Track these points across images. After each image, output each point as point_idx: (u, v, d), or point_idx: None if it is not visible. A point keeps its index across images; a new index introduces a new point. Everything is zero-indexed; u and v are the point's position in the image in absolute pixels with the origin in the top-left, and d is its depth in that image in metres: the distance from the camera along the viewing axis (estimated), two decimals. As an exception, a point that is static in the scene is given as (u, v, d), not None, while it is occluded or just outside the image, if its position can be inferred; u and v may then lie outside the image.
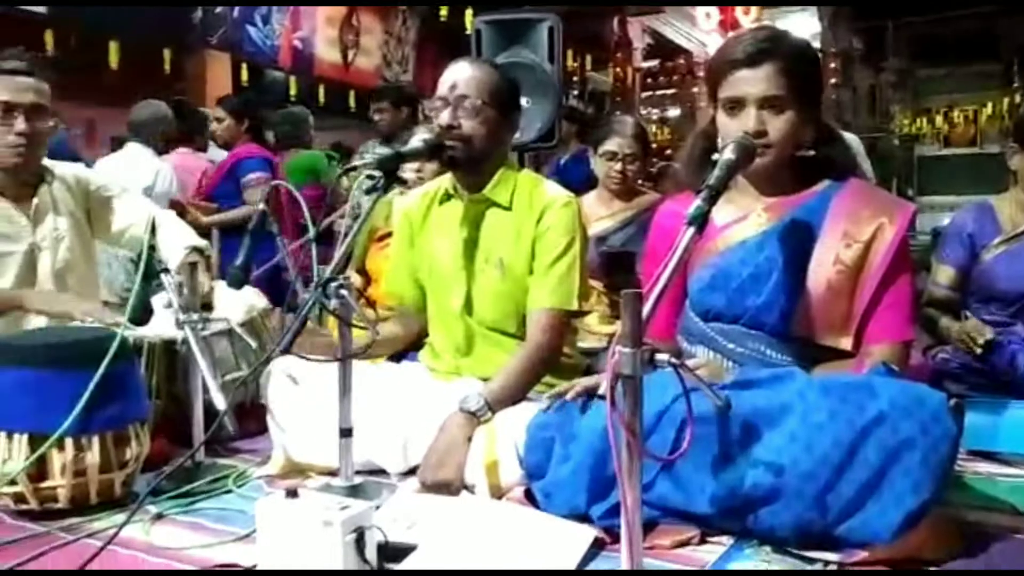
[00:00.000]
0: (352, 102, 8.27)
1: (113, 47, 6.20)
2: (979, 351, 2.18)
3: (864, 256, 1.58)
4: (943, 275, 2.47)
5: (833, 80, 10.15)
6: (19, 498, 1.55)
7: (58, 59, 5.48)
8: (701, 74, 9.68)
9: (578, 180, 3.81)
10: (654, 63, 10.67)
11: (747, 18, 10.12)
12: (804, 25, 10.75)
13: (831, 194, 1.65)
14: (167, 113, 4.34)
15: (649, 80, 10.49)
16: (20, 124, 2.02)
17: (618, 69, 10.29)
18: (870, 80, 11.58)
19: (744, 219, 1.69)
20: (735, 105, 1.61)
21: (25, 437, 1.54)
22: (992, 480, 1.80)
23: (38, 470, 1.54)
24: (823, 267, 1.60)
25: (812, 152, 1.66)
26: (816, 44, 10.29)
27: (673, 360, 1.20)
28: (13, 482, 1.53)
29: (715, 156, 1.53)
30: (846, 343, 1.60)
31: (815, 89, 1.67)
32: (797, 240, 1.62)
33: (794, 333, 1.62)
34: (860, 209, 1.61)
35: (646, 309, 1.18)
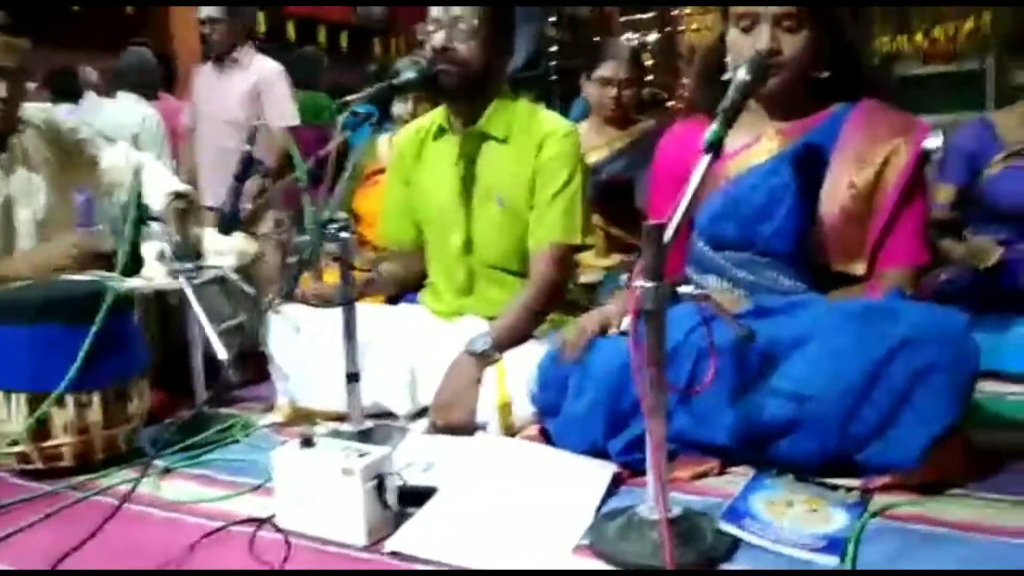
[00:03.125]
0: (323, 37, 8.03)
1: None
2: (988, 266, 2.16)
3: (878, 178, 1.54)
4: (943, 194, 2.44)
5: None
6: (24, 458, 1.52)
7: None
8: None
9: None
10: (633, -12, 10.40)
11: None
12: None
13: (844, 115, 1.59)
14: (152, 60, 4.22)
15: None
16: (1, 90, 1.94)
17: (595, -6, 10.03)
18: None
19: (755, 143, 1.63)
20: (749, 22, 1.54)
21: (24, 396, 1.50)
22: (999, 398, 1.81)
23: (40, 429, 1.50)
24: (836, 191, 1.55)
25: (826, 73, 1.60)
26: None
27: (696, 292, 1.17)
28: (14, 442, 1.49)
29: (727, 76, 1.47)
30: (860, 268, 1.57)
31: (831, 8, 1.60)
32: (809, 164, 1.57)
33: (807, 259, 1.59)
34: (873, 130, 1.56)
35: (666, 237, 1.14)
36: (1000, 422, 1.68)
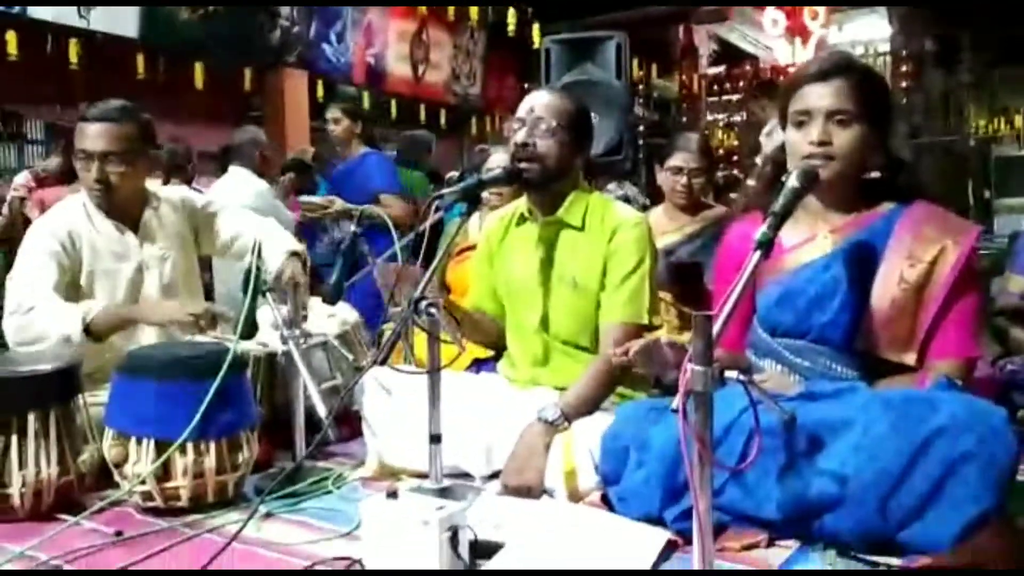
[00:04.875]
0: (423, 116, 8.48)
1: (198, 68, 6.54)
2: None
3: (928, 275, 1.64)
4: (1015, 284, 2.48)
5: (905, 84, 9.96)
6: (147, 496, 1.74)
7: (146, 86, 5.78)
8: (766, 78, 9.59)
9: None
10: (720, 69, 10.64)
11: (815, 23, 10.02)
12: (874, 28, 10.58)
13: (896, 216, 1.71)
14: (264, 138, 4.61)
15: (715, 86, 10.46)
16: (93, 171, 2.18)
17: (684, 76, 10.31)
18: (944, 82, 11.32)
19: (811, 240, 1.76)
20: (804, 118, 1.68)
21: (152, 442, 1.73)
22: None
23: (163, 472, 1.72)
24: (887, 285, 1.66)
25: (878, 174, 1.72)
26: (886, 47, 10.10)
27: (741, 377, 1.30)
28: (142, 482, 1.72)
29: (784, 178, 1.62)
30: (910, 358, 1.66)
31: (883, 111, 1.73)
32: (862, 260, 1.69)
33: (859, 348, 1.69)
34: (924, 230, 1.67)
35: (715, 329, 1.28)
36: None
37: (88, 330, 2.01)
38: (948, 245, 1.64)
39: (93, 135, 2.18)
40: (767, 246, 1.39)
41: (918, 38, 10.56)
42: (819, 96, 1.66)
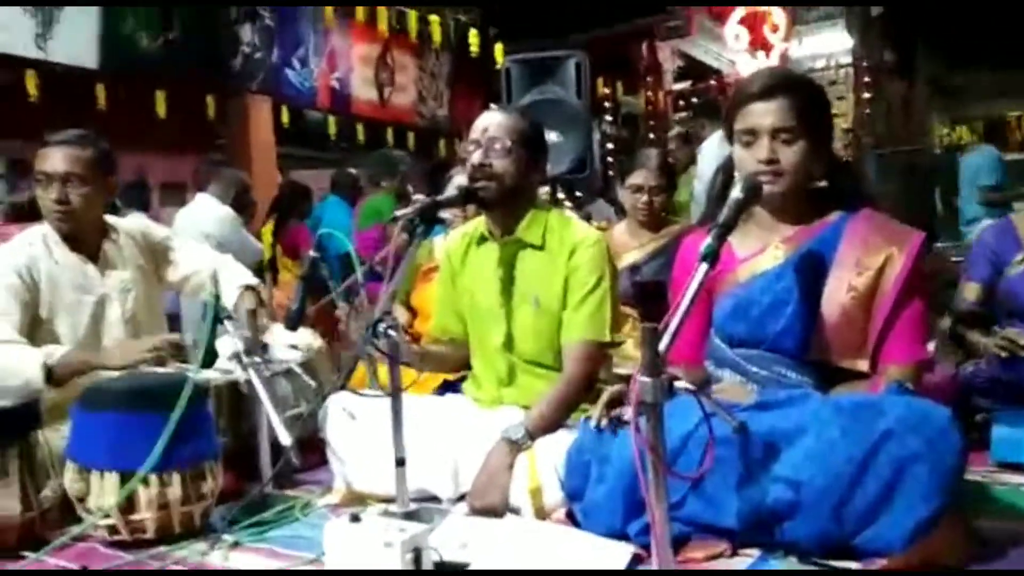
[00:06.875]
0: (390, 138, 8.50)
1: (160, 96, 6.52)
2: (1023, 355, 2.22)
3: (876, 283, 1.68)
4: (970, 291, 2.53)
5: (867, 95, 10.12)
6: (112, 530, 1.73)
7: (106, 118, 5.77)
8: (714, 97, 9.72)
9: None
10: (685, 84, 10.76)
11: (776, 36, 10.18)
12: (835, 40, 10.75)
13: (843, 224, 1.76)
14: (245, 179, 4.69)
15: (681, 101, 10.58)
16: (53, 192, 2.20)
17: (649, 92, 10.42)
18: (903, 92, 11.53)
19: (762, 251, 1.80)
20: (750, 137, 1.73)
21: (115, 475, 1.72)
22: (1019, 491, 1.89)
23: (128, 504, 1.71)
24: (837, 294, 1.71)
25: (824, 184, 1.77)
26: (847, 59, 10.26)
27: (690, 387, 1.33)
28: (107, 515, 1.71)
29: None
30: (863, 364, 1.70)
31: (825, 124, 1.79)
32: (812, 270, 1.73)
33: (813, 356, 1.73)
34: (870, 238, 1.72)
35: (664, 341, 1.30)
36: (1020, 513, 1.76)
37: (49, 376, 1.99)
38: (894, 253, 1.68)
39: (54, 158, 2.20)
40: (712, 257, 1.42)
41: (877, 48, 10.76)
42: (763, 114, 1.71)
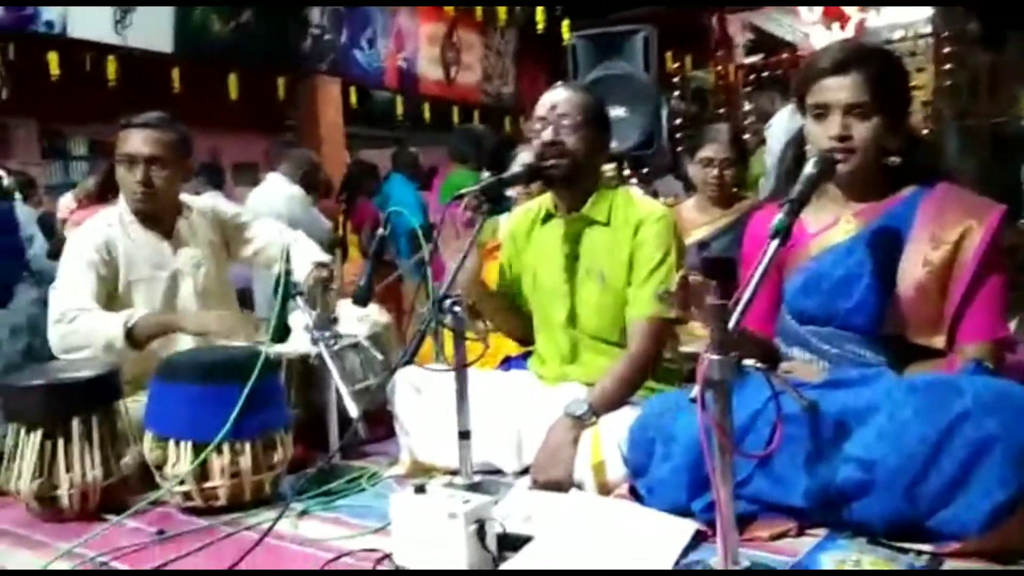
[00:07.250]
0: (456, 117, 8.53)
1: (232, 79, 6.68)
2: None
3: (953, 257, 1.62)
4: None
5: (949, 65, 9.72)
6: (187, 496, 1.79)
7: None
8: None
9: None
10: (757, 58, 10.50)
11: (852, 8, 9.83)
12: (914, 9, 10.34)
13: (919, 199, 1.70)
14: (314, 158, 4.78)
15: (752, 76, 10.33)
16: (138, 174, 2.27)
17: (720, 67, 10.19)
18: (989, 62, 11.03)
19: (834, 225, 1.76)
20: (822, 111, 1.68)
21: (189, 444, 1.78)
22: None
23: (202, 472, 1.77)
24: (912, 269, 1.65)
25: (898, 159, 1.71)
26: (927, 29, 9.87)
27: (759, 365, 1.30)
28: (182, 482, 1.77)
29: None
30: (939, 342, 1.64)
31: (900, 98, 1.73)
32: (885, 245, 1.68)
33: (886, 333, 1.68)
34: (947, 212, 1.65)
35: (734, 318, 1.29)
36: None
37: (129, 336, 2.08)
38: (972, 226, 1.62)
39: (137, 140, 2.27)
40: (784, 233, 1.40)
41: (960, 18, 10.31)
42: (836, 90, 1.66)
